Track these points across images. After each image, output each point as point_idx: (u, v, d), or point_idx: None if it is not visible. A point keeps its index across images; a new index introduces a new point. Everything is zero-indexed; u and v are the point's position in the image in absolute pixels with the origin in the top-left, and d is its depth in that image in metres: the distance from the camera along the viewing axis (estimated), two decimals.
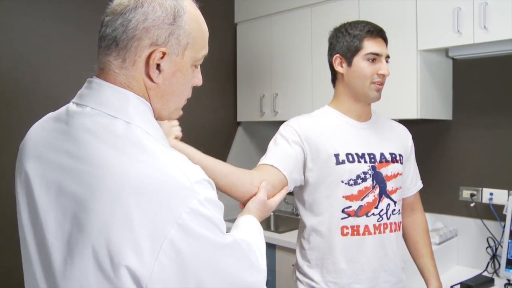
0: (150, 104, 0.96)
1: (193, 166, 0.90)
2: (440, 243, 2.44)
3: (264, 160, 1.57)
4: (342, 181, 1.55)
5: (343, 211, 1.55)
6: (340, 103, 1.69)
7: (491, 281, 2.30)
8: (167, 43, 0.92)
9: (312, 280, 1.62)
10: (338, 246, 1.57)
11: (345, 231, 1.56)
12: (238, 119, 3.34)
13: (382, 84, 1.62)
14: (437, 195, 2.65)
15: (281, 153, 1.57)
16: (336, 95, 1.72)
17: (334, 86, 1.73)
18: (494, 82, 2.50)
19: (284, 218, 3.32)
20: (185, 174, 0.84)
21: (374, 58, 1.60)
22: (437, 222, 2.59)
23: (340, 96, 1.69)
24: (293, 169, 1.55)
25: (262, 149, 3.51)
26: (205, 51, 1.01)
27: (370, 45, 1.61)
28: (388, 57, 1.64)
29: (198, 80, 1.04)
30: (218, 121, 3.30)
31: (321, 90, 2.79)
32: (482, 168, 2.54)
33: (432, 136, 2.70)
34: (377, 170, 1.61)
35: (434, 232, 2.46)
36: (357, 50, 1.61)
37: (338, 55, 1.65)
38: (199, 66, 1.03)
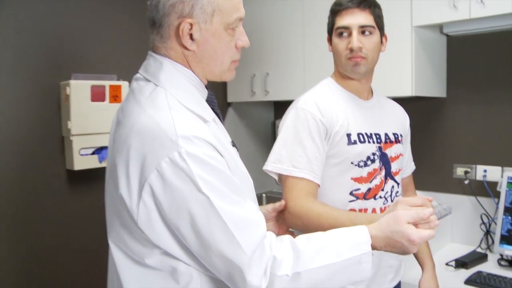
0: (192, 70, 1.11)
1: (192, 123, 1.01)
2: None
3: (291, 170, 1.47)
4: (352, 163, 1.52)
5: (351, 193, 1.53)
6: (338, 78, 1.63)
7: (484, 257, 2.33)
8: (192, 13, 1.04)
9: None
10: None
11: None
12: (229, 100, 3.29)
13: (358, 57, 1.51)
14: (431, 173, 2.66)
15: (312, 157, 1.48)
16: (335, 70, 1.66)
17: None
18: (488, 59, 2.49)
19: (277, 200, 3.29)
20: (175, 128, 0.96)
21: (341, 32, 1.52)
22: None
23: (336, 72, 1.64)
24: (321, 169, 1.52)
25: (253, 130, 3.55)
26: (238, 14, 1.10)
27: (339, 20, 1.53)
28: (365, 26, 1.50)
29: (242, 42, 1.14)
30: None
31: (313, 69, 2.75)
32: (476, 145, 2.56)
33: (426, 113, 2.70)
34: (383, 151, 1.59)
35: None
36: (332, 27, 1.57)
37: (328, 35, 1.62)
38: (241, 28, 1.13)
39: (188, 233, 0.97)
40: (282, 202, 1.45)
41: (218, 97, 3.27)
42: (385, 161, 1.59)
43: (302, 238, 1.07)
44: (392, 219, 1.07)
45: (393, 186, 1.61)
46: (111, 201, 1.08)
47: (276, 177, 1.53)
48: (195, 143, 0.97)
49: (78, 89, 2.29)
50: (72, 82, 2.28)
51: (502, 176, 2.40)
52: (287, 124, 1.52)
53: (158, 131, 0.97)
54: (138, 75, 1.13)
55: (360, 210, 1.54)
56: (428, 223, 1.07)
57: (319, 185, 1.49)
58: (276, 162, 1.49)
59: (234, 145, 1.19)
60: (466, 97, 2.58)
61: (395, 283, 1.69)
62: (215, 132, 1.07)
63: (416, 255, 1.80)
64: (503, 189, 2.24)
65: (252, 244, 0.97)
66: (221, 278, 1.02)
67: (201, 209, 0.95)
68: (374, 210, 1.55)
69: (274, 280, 0.98)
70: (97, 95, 2.35)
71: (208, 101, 1.16)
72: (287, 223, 1.47)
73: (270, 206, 1.48)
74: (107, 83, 2.40)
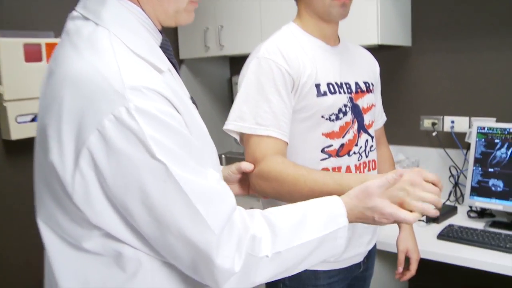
0: (142, 9, 0.90)
1: (144, 72, 0.81)
2: None
3: (255, 128, 1.30)
4: (323, 116, 1.37)
5: (323, 151, 1.38)
6: (304, 22, 1.43)
7: (454, 209, 2.28)
8: None
9: None
10: None
11: None
12: (181, 57, 3.06)
13: None
14: (398, 126, 2.55)
15: (279, 112, 1.31)
16: (299, 14, 1.46)
17: (296, 3, 1.47)
18: (454, 6, 2.37)
19: (237, 161, 3.14)
20: (122, 76, 0.77)
21: None
22: (399, 154, 2.51)
23: (303, 16, 1.44)
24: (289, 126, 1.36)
25: (208, 88, 3.34)
26: None
27: None
28: None
29: None
30: None
31: (271, 20, 2.57)
32: (443, 96, 2.46)
33: (391, 64, 2.57)
34: (354, 102, 1.44)
35: (397, 165, 2.37)
36: None
37: None
38: None
39: (138, 211, 0.78)
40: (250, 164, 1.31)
41: None
42: (357, 113, 1.44)
43: (274, 212, 0.94)
44: (361, 193, 0.98)
45: (367, 140, 1.47)
46: (40, 171, 0.88)
47: (237, 137, 1.37)
48: (147, 96, 0.77)
49: (8, 48, 2.03)
50: (0, 40, 2.01)
51: (470, 127, 2.33)
52: (248, 76, 1.34)
53: (99, 80, 0.77)
54: (74, 12, 0.89)
55: (334, 169, 1.39)
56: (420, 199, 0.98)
57: (287, 144, 1.33)
58: (238, 120, 1.32)
59: (193, 101, 1.00)
60: (432, 45, 2.46)
61: (371, 245, 1.58)
62: (171, 85, 0.87)
63: None
64: (472, 139, 2.15)
65: (220, 220, 0.81)
66: (182, 267, 0.85)
67: (155, 179, 0.77)
68: (348, 168, 1.42)
69: (254, 263, 0.85)
70: (31, 54, 2.10)
71: (163, 48, 0.95)
72: (253, 188, 1.32)
73: (234, 166, 1.33)
74: (42, 41, 2.15)
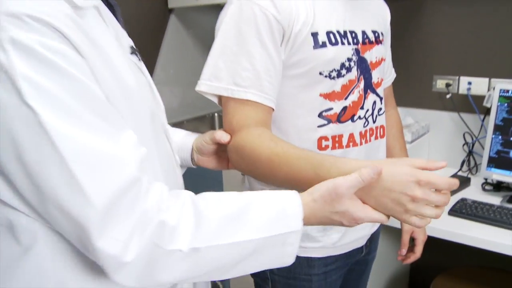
0: None
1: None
2: (412, 142, 2.12)
3: (232, 89, 1.05)
4: (321, 73, 1.11)
5: (320, 115, 1.14)
6: None
7: (467, 181, 2.05)
8: None
9: None
10: None
11: (324, 143, 1.15)
12: (170, 5, 2.77)
13: None
14: (407, 87, 2.29)
15: (262, 69, 1.05)
16: None
17: None
18: None
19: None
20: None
21: None
22: (407, 117, 2.26)
23: None
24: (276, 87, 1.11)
25: (201, 42, 3.06)
26: None
27: None
28: None
29: None
30: (144, 10, 2.71)
31: None
32: (459, 54, 2.18)
33: (402, 16, 2.27)
34: (361, 55, 1.18)
35: (405, 129, 2.12)
36: None
37: None
38: None
39: (14, 169, 0.63)
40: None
41: (157, 2, 2.76)
42: (364, 68, 1.19)
43: (208, 197, 0.78)
44: (329, 195, 0.79)
45: (374, 102, 1.22)
46: None
47: (215, 99, 1.11)
48: (30, 27, 0.60)
49: None
50: None
51: (489, 89, 2.07)
52: (226, 23, 1.07)
53: None
54: None
55: (334, 137, 1.15)
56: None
57: (273, 109, 1.09)
58: (212, 80, 1.07)
59: (134, 52, 0.82)
60: None
61: (376, 226, 1.36)
62: (88, 24, 0.69)
63: None
64: (494, 103, 1.90)
65: (106, 192, 0.64)
66: (72, 240, 0.69)
67: (27, 129, 0.61)
68: (351, 136, 1.17)
69: (160, 256, 0.69)
70: None
71: None
72: (231, 162, 1.10)
73: (208, 136, 1.10)
74: None
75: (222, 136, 1.06)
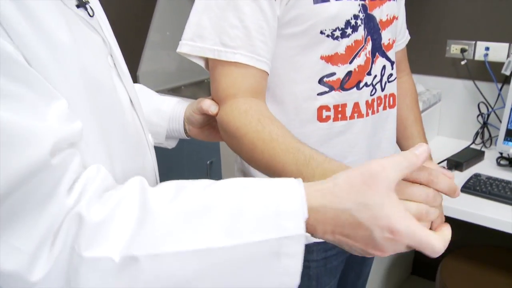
0: None
1: None
2: (422, 111, 1.96)
3: (219, 50, 0.89)
4: (323, 32, 0.95)
5: (321, 81, 0.98)
6: None
7: (480, 154, 1.90)
8: None
9: None
10: (311, 138, 1.01)
11: (325, 114, 1.00)
12: None
13: None
14: (418, 52, 2.11)
15: (253, 26, 0.88)
16: None
17: None
18: None
19: None
20: None
21: None
22: (418, 84, 2.08)
23: None
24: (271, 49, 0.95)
25: None
26: None
27: None
28: None
29: None
30: None
31: None
32: (476, 16, 1.99)
33: None
34: (368, 12, 1.01)
35: None
36: None
37: None
38: None
39: None
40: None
41: None
42: (373, 28, 1.02)
43: (167, 188, 0.55)
44: (360, 177, 0.53)
45: (384, 67, 1.06)
46: None
47: (202, 63, 0.96)
48: None
49: None
50: None
51: (508, 55, 1.90)
52: None
53: None
54: None
55: (336, 107, 1.00)
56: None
57: (267, 74, 0.93)
58: (196, 39, 0.91)
59: (83, 5, 0.64)
60: None
61: None
62: None
63: None
64: None
65: (10, 171, 0.45)
66: None
67: None
68: (356, 105, 1.02)
69: (78, 265, 0.48)
70: None
71: None
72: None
73: (196, 105, 0.96)
74: None
75: (210, 106, 0.92)
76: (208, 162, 2.26)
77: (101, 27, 0.68)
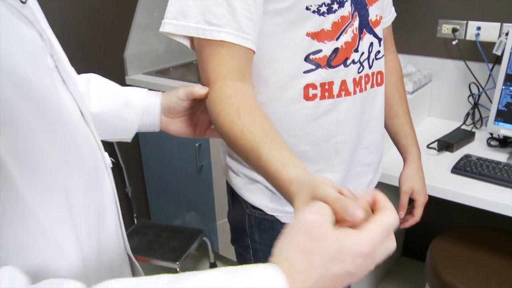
0: None
1: None
2: (413, 92, 1.94)
3: (203, 29, 0.84)
4: (308, 8, 0.91)
5: (307, 59, 0.95)
6: None
7: (471, 135, 1.88)
8: None
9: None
10: (297, 117, 0.99)
11: (311, 92, 0.97)
12: None
13: None
14: (409, 31, 2.09)
15: (238, 4, 0.84)
16: None
17: None
18: None
19: None
20: None
21: None
22: (408, 65, 2.07)
23: None
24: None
25: None
26: None
27: None
28: None
29: None
30: None
31: None
32: None
33: None
34: None
35: (406, 78, 1.94)
36: None
37: None
38: None
39: None
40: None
41: None
42: (360, 3, 0.99)
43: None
44: (307, 237, 0.47)
45: (371, 44, 1.04)
46: None
47: (187, 43, 0.92)
48: None
49: None
50: None
51: (500, 35, 1.87)
52: None
53: None
54: None
55: (323, 84, 0.97)
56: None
57: (254, 52, 0.90)
58: (179, 18, 0.87)
59: None
60: None
61: (372, 185, 1.20)
62: None
63: (396, 141, 1.30)
64: (506, 50, 1.70)
65: None
66: None
67: None
68: (344, 83, 0.99)
69: None
70: None
71: None
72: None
73: (183, 91, 0.91)
74: None
75: (201, 89, 0.88)
76: (196, 145, 2.23)
77: (36, 18, 0.54)
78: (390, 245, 0.52)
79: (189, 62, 2.74)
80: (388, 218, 0.51)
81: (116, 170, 2.39)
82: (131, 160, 2.51)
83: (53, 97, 0.51)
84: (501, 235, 1.75)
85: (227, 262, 2.51)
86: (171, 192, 2.49)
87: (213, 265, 2.46)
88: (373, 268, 0.52)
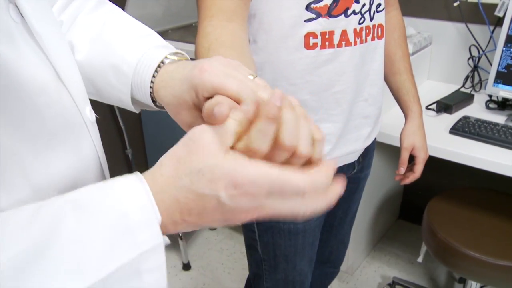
0: None
1: None
2: (413, 54, 1.93)
3: None
4: None
5: (308, 7, 0.95)
6: None
7: (470, 97, 1.89)
8: None
9: None
10: (298, 66, 0.99)
11: (312, 41, 0.97)
12: None
13: None
14: None
15: None
16: None
17: None
18: None
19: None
20: None
21: None
22: (408, 27, 2.05)
23: None
24: None
25: None
26: None
27: None
28: None
29: None
30: None
31: None
32: None
33: None
34: None
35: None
36: None
37: None
38: None
39: None
40: None
41: None
42: None
43: None
44: (184, 148, 0.44)
45: None
46: None
47: None
48: None
49: None
50: None
51: None
52: None
53: None
54: None
55: (324, 34, 0.97)
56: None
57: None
58: None
59: None
60: None
61: (371, 140, 1.21)
62: None
63: (398, 97, 1.30)
64: (509, 11, 1.69)
65: None
66: None
67: None
68: (344, 33, 0.99)
69: None
70: None
71: None
72: None
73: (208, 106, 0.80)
74: None
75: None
76: None
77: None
78: (298, 207, 0.44)
79: (188, 24, 2.72)
80: (305, 180, 0.43)
81: (116, 131, 2.40)
82: (132, 126, 2.51)
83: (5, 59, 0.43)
84: (497, 195, 1.77)
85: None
86: None
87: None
88: (271, 219, 0.45)
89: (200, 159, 0.43)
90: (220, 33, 0.81)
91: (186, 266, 2.29)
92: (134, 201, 0.42)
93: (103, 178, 0.60)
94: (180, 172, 0.43)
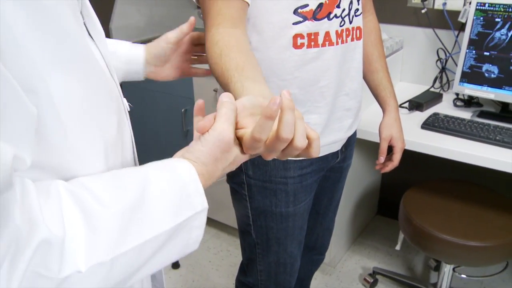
0: None
1: None
2: (386, 57, 2.06)
3: None
4: None
5: (296, 12, 1.08)
6: None
7: (439, 96, 2.05)
8: None
9: None
10: (287, 63, 1.12)
11: (300, 41, 1.10)
12: None
13: None
14: (381, 1, 2.22)
15: None
16: None
17: None
18: None
19: None
20: None
21: None
22: (382, 33, 2.19)
23: None
24: None
25: None
26: None
27: None
28: None
29: None
30: None
31: None
32: None
33: None
34: None
35: None
36: None
37: None
38: None
39: None
40: (191, 19, 1.03)
41: None
42: None
43: (93, 186, 0.53)
44: (218, 148, 0.61)
45: (351, 2, 1.17)
46: None
47: None
48: None
49: None
50: None
51: (464, 4, 2.03)
52: None
53: None
54: None
55: (310, 35, 1.10)
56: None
57: (248, 4, 1.02)
58: None
59: None
60: None
61: (352, 130, 1.34)
62: None
63: (376, 94, 1.43)
64: (470, 17, 1.86)
65: None
66: None
67: None
68: (327, 34, 1.12)
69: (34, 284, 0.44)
70: None
71: None
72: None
73: (173, 34, 1.03)
74: None
75: (187, 25, 1.02)
76: (182, 110, 2.34)
77: None
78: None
79: None
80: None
81: None
82: None
83: (85, 48, 0.56)
84: (465, 185, 1.92)
85: (212, 221, 2.63)
86: (156, 156, 2.56)
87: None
88: None
89: (230, 155, 0.62)
90: (228, 40, 0.93)
91: (175, 265, 2.38)
92: (190, 176, 0.59)
93: (134, 163, 0.73)
94: (219, 166, 0.62)
